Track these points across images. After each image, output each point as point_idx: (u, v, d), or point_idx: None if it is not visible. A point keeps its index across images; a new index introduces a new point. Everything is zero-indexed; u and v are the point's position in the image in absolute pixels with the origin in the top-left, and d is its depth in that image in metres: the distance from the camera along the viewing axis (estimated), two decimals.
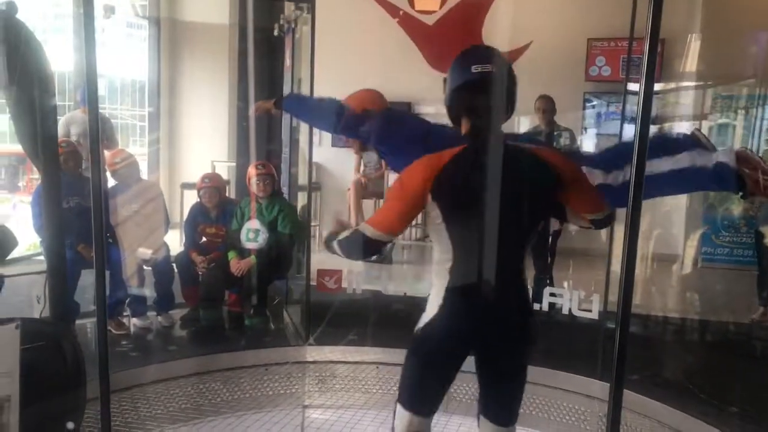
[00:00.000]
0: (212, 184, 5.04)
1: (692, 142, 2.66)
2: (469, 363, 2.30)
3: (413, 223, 7.11)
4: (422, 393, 2.29)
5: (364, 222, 2.15)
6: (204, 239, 5.11)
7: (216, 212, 5.06)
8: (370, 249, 2.17)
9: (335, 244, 2.25)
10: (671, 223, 6.93)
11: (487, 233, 2.05)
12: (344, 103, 2.88)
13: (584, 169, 2.42)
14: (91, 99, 1.85)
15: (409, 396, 2.28)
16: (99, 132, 1.85)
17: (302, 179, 5.81)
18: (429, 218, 2.16)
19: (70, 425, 2.29)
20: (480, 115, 2.13)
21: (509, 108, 2.18)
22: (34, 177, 7.12)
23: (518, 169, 2.07)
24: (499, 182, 2.02)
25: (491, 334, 2.16)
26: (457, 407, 4.13)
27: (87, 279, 4.30)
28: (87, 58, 1.81)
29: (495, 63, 2.12)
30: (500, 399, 2.33)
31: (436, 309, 2.14)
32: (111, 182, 4.81)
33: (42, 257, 3.98)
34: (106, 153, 5.08)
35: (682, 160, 2.56)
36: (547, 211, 2.27)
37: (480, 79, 2.10)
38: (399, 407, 2.29)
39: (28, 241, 5.32)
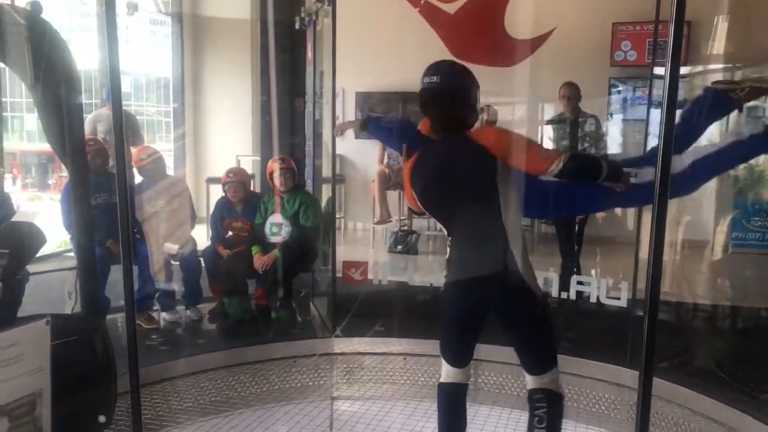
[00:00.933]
0: (237, 179, 5.07)
1: None
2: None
3: None
4: (445, 346, 2.76)
5: None
6: (230, 233, 5.14)
7: (241, 206, 5.09)
8: None
9: None
10: (701, 208, 6.82)
11: (450, 211, 2.59)
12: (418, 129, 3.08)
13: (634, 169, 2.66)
14: (114, 96, 1.87)
15: (441, 348, 2.76)
16: (123, 129, 1.87)
17: (326, 171, 5.83)
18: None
19: (102, 419, 2.32)
20: (431, 117, 2.69)
21: (467, 109, 2.65)
22: (63, 175, 7.23)
23: (461, 153, 2.53)
24: (448, 168, 2.53)
25: (485, 295, 2.56)
26: (485, 398, 4.13)
27: (117, 274, 4.35)
28: (110, 55, 1.83)
29: (442, 75, 2.60)
30: (523, 351, 2.67)
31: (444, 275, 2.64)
32: (138, 179, 4.86)
33: (72, 253, 4.05)
34: (132, 150, 5.14)
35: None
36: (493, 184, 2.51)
37: (428, 89, 2.60)
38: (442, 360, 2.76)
39: (59, 237, 5.41)
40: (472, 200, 2.53)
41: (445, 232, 2.67)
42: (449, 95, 2.59)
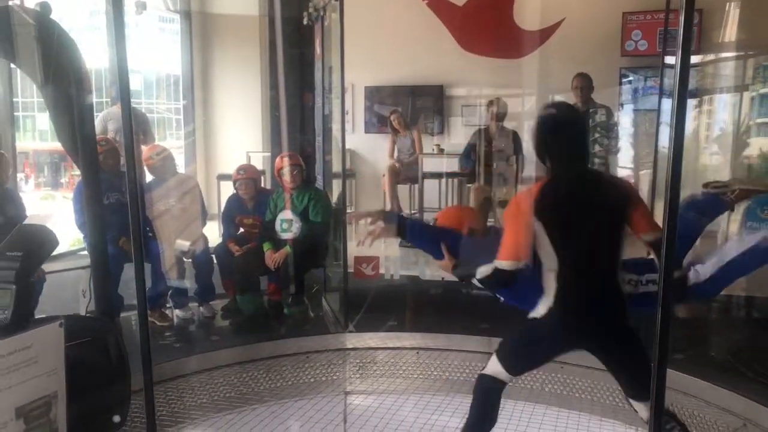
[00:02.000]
0: (247, 176, 5.07)
1: None
2: None
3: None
4: (519, 362, 2.81)
5: (497, 259, 2.55)
6: (241, 230, 5.16)
7: (252, 203, 5.10)
8: (509, 280, 2.58)
9: (478, 283, 2.70)
10: None
11: (582, 245, 2.54)
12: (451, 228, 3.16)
13: None
14: (123, 95, 1.87)
15: (509, 358, 2.76)
16: (132, 127, 1.87)
17: (336, 167, 5.83)
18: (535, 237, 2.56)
19: (117, 418, 2.34)
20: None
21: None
22: (75, 173, 7.27)
23: (599, 193, 2.61)
24: (585, 204, 2.57)
25: (594, 329, 2.61)
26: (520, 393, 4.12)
27: (130, 272, 4.38)
28: (118, 55, 1.83)
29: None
30: (631, 380, 2.66)
31: (547, 307, 2.59)
32: (149, 177, 4.88)
33: (86, 252, 4.07)
34: (143, 148, 5.16)
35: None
36: (623, 226, 2.60)
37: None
38: (496, 358, 2.77)
39: (72, 236, 5.44)
40: (608, 236, 2.59)
41: (550, 264, 2.57)
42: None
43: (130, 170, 1.90)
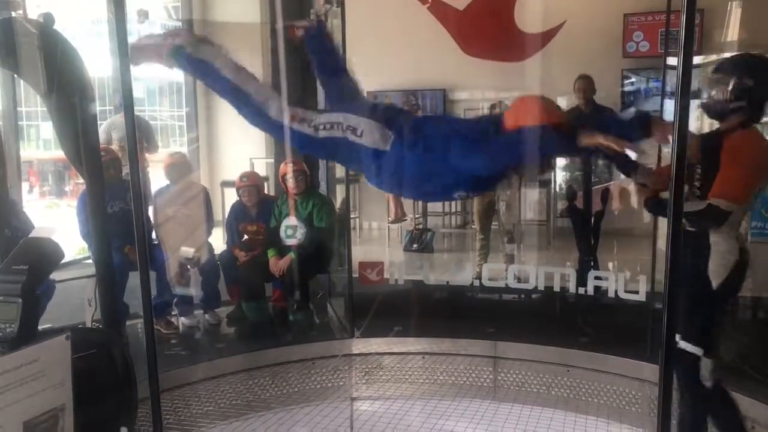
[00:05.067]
0: (250, 183, 5.08)
1: None
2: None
3: (452, 210, 7.10)
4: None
5: (713, 196, 2.47)
6: (245, 237, 5.16)
7: (256, 210, 5.11)
8: (721, 220, 2.51)
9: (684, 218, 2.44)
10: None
11: None
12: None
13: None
14: (126, 103, 1.88)
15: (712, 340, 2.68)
16: (136, 135, 1.88)
17: (340, 172, 5.82)
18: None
19: (124, 430, 2.34)
20: None
21: None
22: (79, 182, 7.28)
23: None
24: None
25: None
26: (505, 395, 4.12)
27: (135, 281, 4.39)
28: (120, 62, 1.84)
29: None
30: None
31: (729, 267, 2.56)
32: (158, 183, 4.92)
33: (91, 261, 4.08)
34: (147, 156, 5.18)
35: None
36: None
37: None
38: (705, 359, 2.66)
39: (77, 246, 5.45)
40: None
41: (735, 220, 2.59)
42: None
43: (134, 178, 1.91)
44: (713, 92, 2.72)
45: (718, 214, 2.46)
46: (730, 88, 2.64)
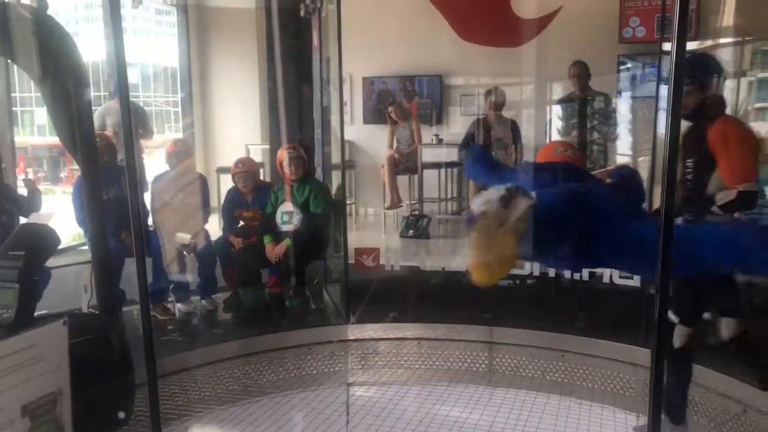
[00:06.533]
0: (246, 169, 5.07)
1: None
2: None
3: (448, 196, 7.10)
4: None
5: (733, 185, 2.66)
6: (241, 223, 5.16)
7: (252, 196, 5.10)
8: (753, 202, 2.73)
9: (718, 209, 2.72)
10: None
11: None
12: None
13: None
14: (121, 90, 1.87)
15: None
16: (131, 121, 1.87)
17: (336, 158, 5.82)
18: None
19: (121, 415, 2.35)
20: None
21: None
22: (74, 168, 7.26)
23: None
24: None
25: None
26: (500, 380, 4.14)
27: (132, 267, 4.39)
28: (115, 48, 1.83)
29: None
30: None
31: None
32: (149, 171, 4.90)
33: (87, 247, 4.07)
34: (142, 142, 5.17)
35: None
36: None
37: None
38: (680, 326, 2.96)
39: (73, 231, 5.44)
40: None
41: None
42: None
43: (130, 164, 1.90)
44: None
45: (750, 198, 2.68)
46: (692, 87, 2.86)
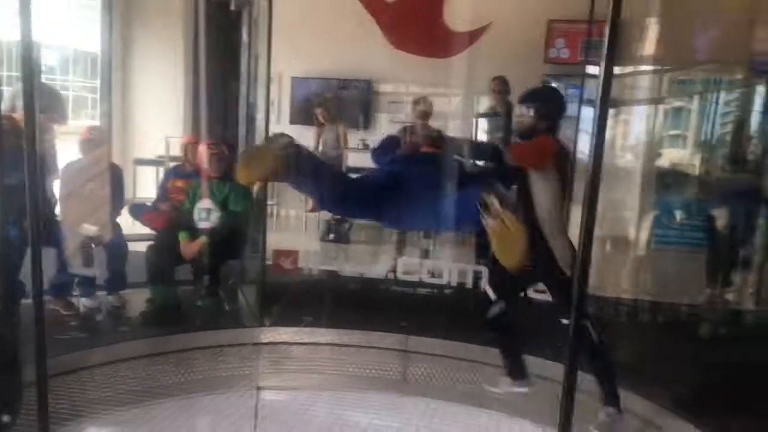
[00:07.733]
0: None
1: None
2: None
3: None
4: None
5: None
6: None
7: (193, 169, 5.11)
8: None
9: None
10: (624, 205, 7.00)
11: None
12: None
13: None
14: (25, 67, 1.74)
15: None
16: (35, 103, 1.75)
17: None
18: None
19: (5, 418, 2.19)
20: None
21: None
22: None
23: None
24: None
25: None
26: (413, 389, 4.13)
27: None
28: (21, 25, 1.70)
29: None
30: None
31: None
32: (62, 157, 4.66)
33: None
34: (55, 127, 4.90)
35: None
36: None
37: None
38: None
39: None
40: None
41: None
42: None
43: (29, 146, 1.78)
44: (521, 117, 3.52)
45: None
46: (533, 113, 3.45)
